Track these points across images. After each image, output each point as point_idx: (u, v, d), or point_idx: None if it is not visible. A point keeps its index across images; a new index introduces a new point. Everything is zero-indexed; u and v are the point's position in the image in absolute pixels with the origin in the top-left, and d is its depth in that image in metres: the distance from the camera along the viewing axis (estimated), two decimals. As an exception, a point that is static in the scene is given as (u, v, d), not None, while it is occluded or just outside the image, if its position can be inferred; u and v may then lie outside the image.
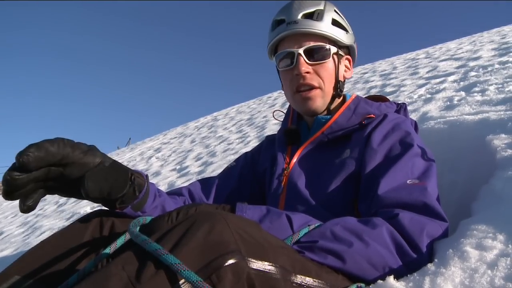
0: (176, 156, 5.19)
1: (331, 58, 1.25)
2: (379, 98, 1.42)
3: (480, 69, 3.06)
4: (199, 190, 1.38)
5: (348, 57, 1.35)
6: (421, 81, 3.50)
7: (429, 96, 2.79)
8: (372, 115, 1.25)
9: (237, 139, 4.64)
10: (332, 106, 1.31)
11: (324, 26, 1.23)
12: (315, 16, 1.23)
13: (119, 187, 0.95)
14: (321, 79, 1.25)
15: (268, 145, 1.48)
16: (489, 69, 2.96)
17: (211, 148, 4.74)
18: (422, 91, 3.07)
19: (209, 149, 4.76)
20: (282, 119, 1.47)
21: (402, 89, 3.49)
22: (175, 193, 1.35)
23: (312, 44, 1.23)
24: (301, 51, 1.22)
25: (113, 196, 0.94)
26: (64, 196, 0.96)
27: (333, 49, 1.26)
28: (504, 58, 3.20)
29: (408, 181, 1.04)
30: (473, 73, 3.02)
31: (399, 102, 1.40)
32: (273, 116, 1.52)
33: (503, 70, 2.78)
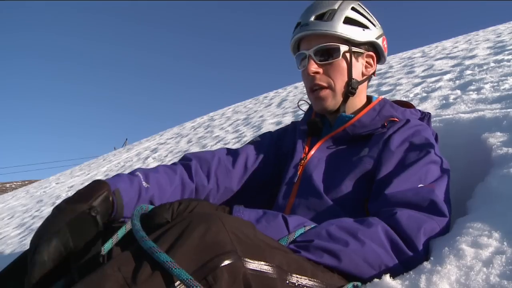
0: (172, 156, 5.17)
1: (341, 57, 1.25)
2: (405, 104, 1.42)
3: (476, 68, 3.07)
4: (224, 157, 1.36)
5: (371, 53, 1.33)
6: (417, 80, 3.50)
7: (425, 94, 2.79)
8: (395, 119, 1.25)
9: (233, 139, 4.64)
10: (357, 107, 1.33)
11: (334, 26, 1.23)
12: (326, 16, 1.24)
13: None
14: (331, 79, 1.26)
15: (293, 131, 1.48)
16: (485, 67, 2.96)
17: (208, 148, 4.74)
18: (418, 89, 3.07)
19: (205, 149, 4.75)
20: (305, 109, 1.48)
21: (398, 88, 3.49)
22: (183, 164, 1.31)
23: (320, 44, 1.24)
24: (310, 52, 1.25)
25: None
26: None
27: (344, 48, 1.25)
28: (499, 57, 3.20)
29: (418, 186, 1.04)
30: (468, 72, 3.02)
31: (425, 111, 1.39)
32: (298, 106, 1.54)
33: (499, 68, 2.78)
